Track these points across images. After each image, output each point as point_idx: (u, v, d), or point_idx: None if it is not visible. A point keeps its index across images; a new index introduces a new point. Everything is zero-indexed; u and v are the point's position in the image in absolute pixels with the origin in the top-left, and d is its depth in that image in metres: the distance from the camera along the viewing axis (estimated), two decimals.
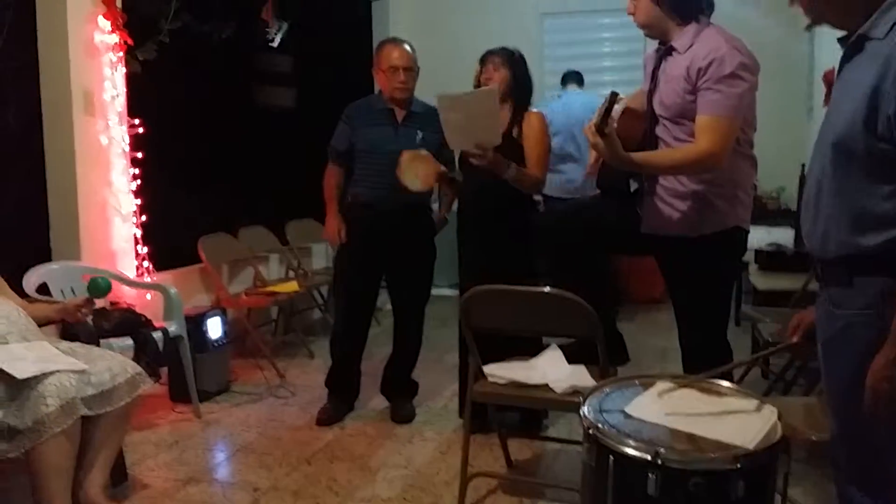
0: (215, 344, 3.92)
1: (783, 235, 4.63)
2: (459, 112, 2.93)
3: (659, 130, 2.55)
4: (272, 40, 4.94)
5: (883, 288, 1.45)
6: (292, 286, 4.63)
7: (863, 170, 1.45)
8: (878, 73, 1.39)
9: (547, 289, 2.46)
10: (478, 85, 3.23)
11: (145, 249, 3.93)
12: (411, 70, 3.38)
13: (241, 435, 3.43)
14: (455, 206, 3.50)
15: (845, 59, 1.54)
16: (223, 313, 4.04)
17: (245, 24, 4.84)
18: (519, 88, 3.22)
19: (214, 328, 3.93)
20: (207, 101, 4.59)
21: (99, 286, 2.79)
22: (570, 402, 2.39)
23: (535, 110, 3.25)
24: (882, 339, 1.42)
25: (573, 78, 5.47)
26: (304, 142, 4.87)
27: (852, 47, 1.51)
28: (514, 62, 3.22)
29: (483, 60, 3.25)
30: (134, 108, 3.86)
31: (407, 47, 3.42)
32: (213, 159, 4.71)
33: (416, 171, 3.23)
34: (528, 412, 3.31)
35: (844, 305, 1.53)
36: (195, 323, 3.81)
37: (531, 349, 2.79)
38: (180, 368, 3.63)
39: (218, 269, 4.51)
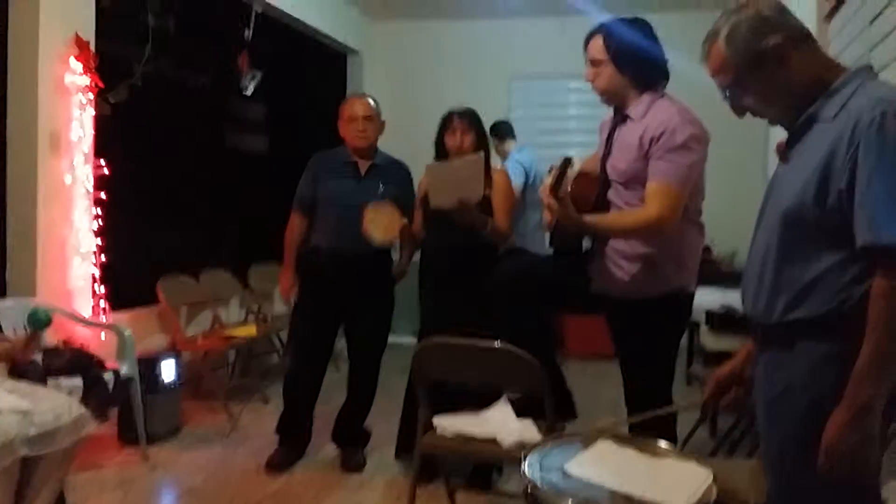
0: (168, 386, 3.89)
1: (735, 297, 4.71)
2: (446, 177, 3.07)
3: (611, 194, 2.63)
4: (245, 88, 5.01)
5: (825, 353, 1.51)
6: (250, 330, 4.63)
7: (811, 239, 1.53)
8: (829, 150, 1.48)
9: (497, 343, 2.50)
10: (440, 144, 3.34)
11: (103, 289, 3.90)
12: (371, 119, 3.47)
13: (188, 479, 3.39)
14: (417, 256, 3.56)
15: (794, 139, 1.63)
16: (178, 355, 4.02)
17: (219, 71, 4.92)
18: (484, 148, 3.33)
19: (168, 370, 3.90)
20: (176, 145, 4.64)
21: (38, 318, 2.78)
22: (515, 456, 2.41)
23: (499, 167, 3.36)
24: (822, 402, 1.48)
25: (507, 130, 5.63)
26: (271, 187, 4.92)
27: (801, 128, 1.60)
28: (476, 123, 3.35)
29: (446, 122, 3.35)
30: (101, 149, 3.87)
31: (368, 99, 3.53)
32: (179, 202, 4.73)
33: (379, 224, 3.29)
34: (479, 464, 3.32)
35: (786, 369, 1.58)
36: (148, 364, 3.78)
37: (484, 402, 2.82)
38: (130, 410, 3.59)
39: (176, 310, 4.49)
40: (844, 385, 1.45)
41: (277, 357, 5.30)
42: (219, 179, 5.13)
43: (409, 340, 5.35)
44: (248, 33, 4.95)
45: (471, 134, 3.31)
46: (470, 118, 3.34)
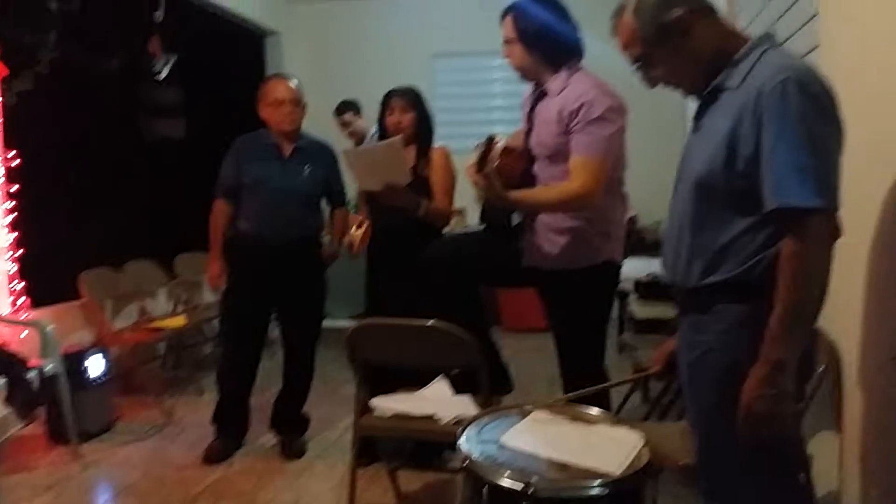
0: (96, 382, 3.78)
1: (661, 266, 4.86)
2: (367, 163, 3.01)
3: (536, 169, 2.66)
4: (159, 73, 4.85)
5: (740, 314, 1.58)
6: (179, 321, 4.52)
7: (723, 205, 1.58)
8: (735, 118, 1.53)
9: (430, 322, 2.51)
10: (382, 125, 3.29)
11: (21, 285, 3.75)
12: (296, 103, 3.40)
13: (123, 476, 3.31)
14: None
15: (702, 108, 1.69)
16: (105, 350, 3.90)
17: (131, 55, 4.75)
18: (423, 127, 3.30)
19: (96, 366, 3.79)
20: (90, 133, 4.47)
21: None
22: (454, 432, 2.43)
23: (438, 146, 3.33)
24: (739, 362, 1.53)
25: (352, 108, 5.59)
26: (193, 173, 4.79)
27: (708, 98, 1.65)
28: (418, 102, 3.30)
29: (387, 101, 3.29)
30: (11, 139, 3.70)
31: (292, 82, 3.44)
32: (97, 192, 4.57)
33: (352, 239, 3.32)
34: (423, 443, 3.34)
35: (704, 332, 1.65)
36: (74, 361, 3.67)
37: (421, 381, 2.83)
38: (58, 408, 3.47)
39: (101, 304, 4.35)
40: (760, 345, 1.51)
41: (210, 347, 5.21)
42: (137, 167, 4.97)
43: (346, 324, 5.36)
44: (160, 15, 4.78)
45: (411, 113, 3.25)
46: (409, 97, 3.28)
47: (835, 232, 1.52)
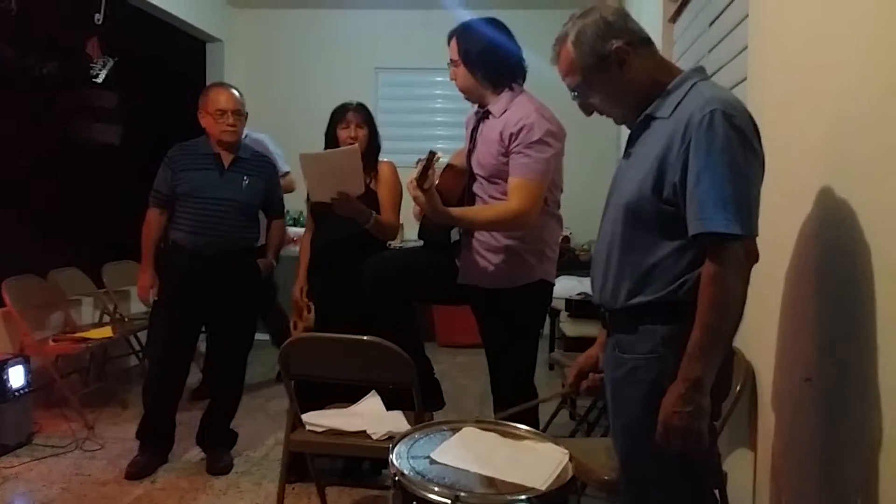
0: (16, 393, 3.64)
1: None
2: (322, 168, 2.97)
3: (476, 188, 2.71)
4: (96, 76, 4.74)
5: (665, 334, 1.63)
6: (105, 332, 4.40)
7: (650, 229, 1.64)
8: (665, 145, 1.60)
9: (365, 337, 2.52)
10: (332, 138, 3.27)
11: None
12: (239, 113, 3.37)
13: (41, 491, 3.19)
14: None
15: (634, 136, 1.75)
16: (26, 360, 3.77)
17: (68, 58, 4.63)
18: (373, 142, 3.31)
19: (16, 377, 3.65)
20: (19, 136, 4.33)
21: None
22: (385, 448, 2.44)
23: (385, 160, 3.34)
24: (663, 381, 1.59)
25: None
26: (126, 180, 4.69)
27: (640, 126, 1.72)
28: (370, 119, 3.31)
29: (341, 114, 3.27)
30: None
31: (234, 91, 3.41)
32: (24, 198, 4.42)
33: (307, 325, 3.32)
34: (353, 459, 3.32)
35: (630, 351, 1.70)
36: None
37: (353, 396, 2.82)
38: None
39: (23, 313, 4.19)
40: None
41: (136, 359, 5.07)
42: (68, 173, 4.83)
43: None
44: (100, 17, 4.68)
45: (365, 128, 3.25)
46: (364, 113, 3.29)
47: (752, 256, 1.61)
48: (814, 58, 1.90)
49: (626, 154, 1.78)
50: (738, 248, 1.52)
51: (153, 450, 3.46)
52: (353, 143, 3.14)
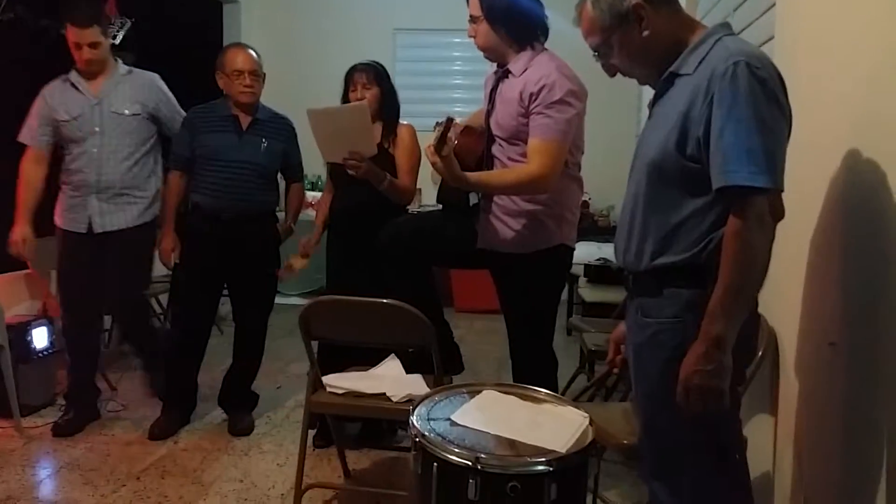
0: (40, 354, 3.70)
1: (611, 251, 4.95)
2: (331, 126, 2.93)
3: (495, 149, 2.68)
4: (114, 37, 4.71)
5: (689, 298, 1.61)
6: None
7: (675, 187, 1.61)
8: (688, 101, 1.57)
9: (386, 300, 2.52)
10: (346, 102, 3.22)
11: None
12: (256, 74, 3.34)
13: (66, 451, 3.25)
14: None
15: (658, 96, 1.72)
16: (50, 322, 3.81)
17: None
18: (388, 103, 3.24)
19: (40, 338, 3.71)
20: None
21: None
22: (405, 410, 2.46)
23: (405, 122, 3.30)
24: (685, 346, 1.57)
25: None
26: None
27: (664, 84, 1.69)
28: (382, 77, 3.23)
29: (350, 77, 3.22)
30: None
31: (252, 52, 3.38)
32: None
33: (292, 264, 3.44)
34: (371, 422, 3.35)
35: (653, 315, 1.68)
36: (18, 332, 3.57)
37: (373, 359, 2.84)
38: (1, 380, 3.39)
39: (46, 275, 4.24)
40: None
41: (158, 321, 5.12)
42: None
43: (297, 301, 5.33)
44: None
45: (374, 88, 3.18)
46: (373, 72, 3.21)
47: (778, 213, 1.58)
48: (845, 14, 1.85)
49: (651, 113, 1.75)
50: (763, 203, 1.49)
51: (176, 411, 3.52)
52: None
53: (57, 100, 3.36)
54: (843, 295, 1.76)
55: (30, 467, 3.10)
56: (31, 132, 3.40)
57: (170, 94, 3.54)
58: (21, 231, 3.38)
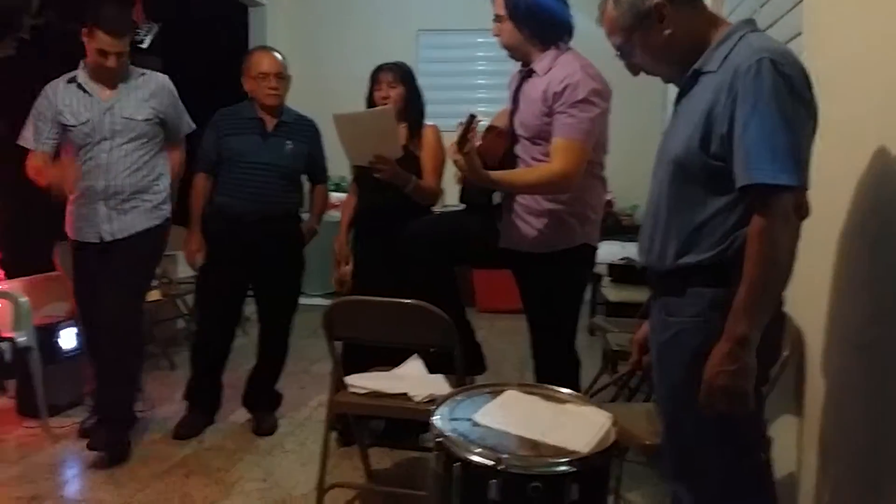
0: (69, 355, 3.75)
1: (635, 250, 4.90)
2: (357, 130, 2.95)
3: (518, 149, 2.67)
4: (141, 42, 4.78)
5: (713, 297, 1.59)
6: (154, 295, 4.49)
7: (698, 186, 1.60)
8: (712, 98, 1.55)
9: (409, 301, 2.52)
10: (371, 101, 3.24)
11: None
12: (282, 77, 3.37)
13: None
14: None
15: (682, 94, 1.71)
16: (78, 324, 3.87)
17: None
18: (413, 103, 3.26)
19: (68, 339, 3.76)
20: None
21: None
22: (427, 410, 2.45)
23: (430, 123, 3.31)
24: (710, 344, 1.55)
25: None
26: None
27: (688, 82, 1.67)
28: (407, 77, 3.25)
29: (375, 76, 3.25)
30: None
31: (277, 54, 3.41)
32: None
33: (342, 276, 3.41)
34: (394, 421, 3.35)
35: (677, 314, 1.67)
36: (47, 333, 3.63)
37: (396, 359, 2.84)
38: (29, 381, 3.43)
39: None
40: None
41: (183, 322, 5.18)
42: None
43: (320, 302, 5.36)
44: None
45: (399, 88, 3.20)
46: (398, 71, 3.23)
47: (803, 210, 1.56)
48: (874, 8, 1.82)
49: (675, 111, 1.73)
50: (788, 201, 1.47)
51: (200, 411, 3.55)
52: (386, 104, 3.10)
53: (63, 101, 3.18)
54: (871, 295, 1.73)
55: (56, 467, 3.15)
56: (35, 134, 3.22)
57: (177, 96, 3.44)
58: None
